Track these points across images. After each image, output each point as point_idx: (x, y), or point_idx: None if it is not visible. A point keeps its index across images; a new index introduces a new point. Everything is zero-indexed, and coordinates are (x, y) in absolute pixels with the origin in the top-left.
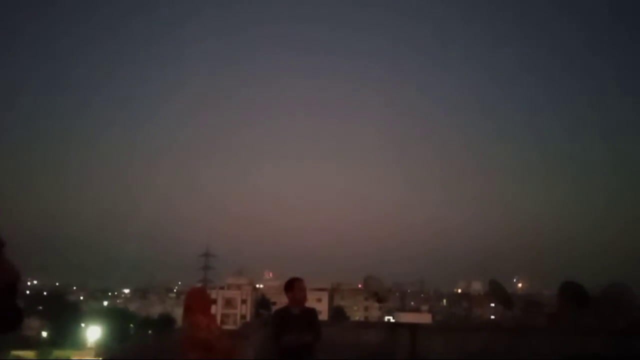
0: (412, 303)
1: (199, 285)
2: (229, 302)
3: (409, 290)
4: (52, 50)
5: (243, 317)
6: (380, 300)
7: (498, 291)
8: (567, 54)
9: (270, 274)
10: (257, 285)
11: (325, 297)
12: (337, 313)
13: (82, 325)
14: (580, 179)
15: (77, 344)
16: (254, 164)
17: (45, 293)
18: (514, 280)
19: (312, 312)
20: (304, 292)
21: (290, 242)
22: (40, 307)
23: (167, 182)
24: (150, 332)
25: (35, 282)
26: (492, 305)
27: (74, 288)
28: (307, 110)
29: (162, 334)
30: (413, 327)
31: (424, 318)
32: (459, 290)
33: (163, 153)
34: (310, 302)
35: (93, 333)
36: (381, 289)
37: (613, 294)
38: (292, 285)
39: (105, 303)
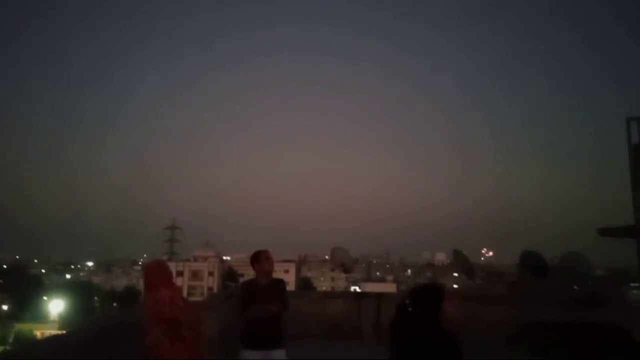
0: (378, 273)
1: (165, 257)
2: (195, 274)
3: (374, 261)
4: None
5: (210, 289)
6: (346, 271)
7: (461, 261)
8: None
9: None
10: (224, 258)
11: (292, 268)
12: (305, 284)
13: (45, 298)
14: (540, 156)
15: (40, 318)
16: (221, 140)
17: (5, 266)
18: (478, 251)
19: (280, 283)
20: (270, 263)
21: (258, 215)
22: (1, 281)
23: (133, 155)
24: (115, 304)
25: None
26: (456, 275)
27: (36, 261)
28: (278, 89)
29: (127, 306)
30: (378, 296)
31: (389, 288)
32: (424, 261)
33: (132, 128)
34: (278, 274)
35: (56, 306)
36: (347, 260)
37: (570, 263)
38: (259, 257)
39: (68, 276)
